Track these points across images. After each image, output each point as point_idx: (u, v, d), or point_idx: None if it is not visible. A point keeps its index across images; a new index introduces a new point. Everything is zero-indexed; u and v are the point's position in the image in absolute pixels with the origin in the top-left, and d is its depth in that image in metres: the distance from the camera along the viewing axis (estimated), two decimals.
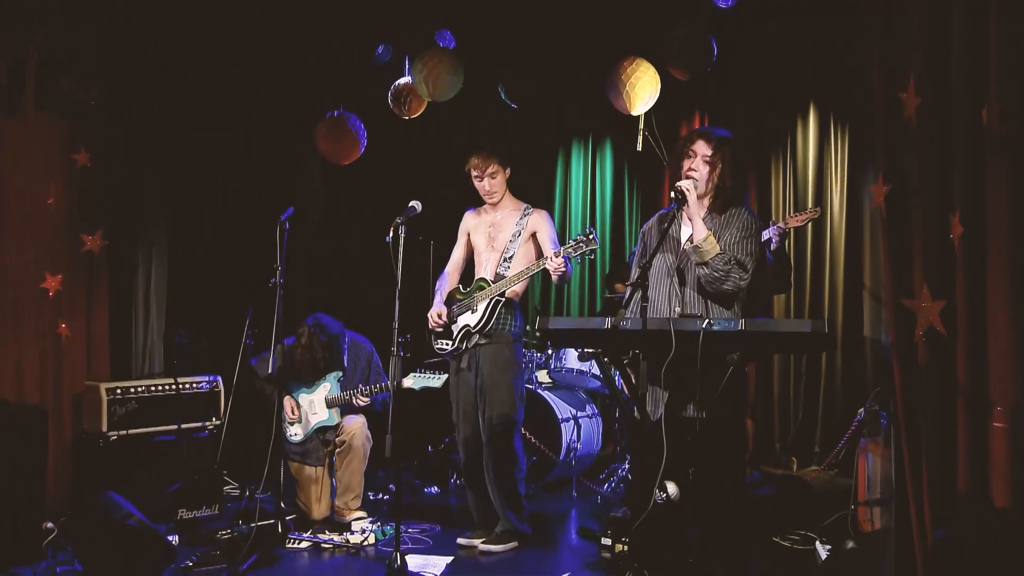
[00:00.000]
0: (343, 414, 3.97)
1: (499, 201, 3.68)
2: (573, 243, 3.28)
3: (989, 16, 2.22)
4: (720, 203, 2.84)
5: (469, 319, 3.59)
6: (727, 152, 2.82)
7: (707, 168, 2.83)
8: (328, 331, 3.95)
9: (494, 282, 3.56)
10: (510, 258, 3.59)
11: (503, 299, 3.54)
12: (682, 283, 2.84)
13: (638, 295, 2.58)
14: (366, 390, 3.91)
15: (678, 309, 2.80)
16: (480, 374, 3.56)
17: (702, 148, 2.84)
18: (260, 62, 4.66)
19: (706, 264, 2.74)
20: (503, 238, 3.64)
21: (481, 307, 3.56)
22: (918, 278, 2.42)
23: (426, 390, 3.57)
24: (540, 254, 3.56)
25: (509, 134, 5.20)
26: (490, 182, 3.63)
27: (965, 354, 2.29)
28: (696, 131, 2.96)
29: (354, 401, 3.92)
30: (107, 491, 3.21)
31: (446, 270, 3.83)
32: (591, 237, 3.23)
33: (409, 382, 3.54)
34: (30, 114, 3.79)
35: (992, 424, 2.21)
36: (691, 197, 2.76)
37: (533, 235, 3.62)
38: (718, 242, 2.76)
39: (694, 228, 2.79)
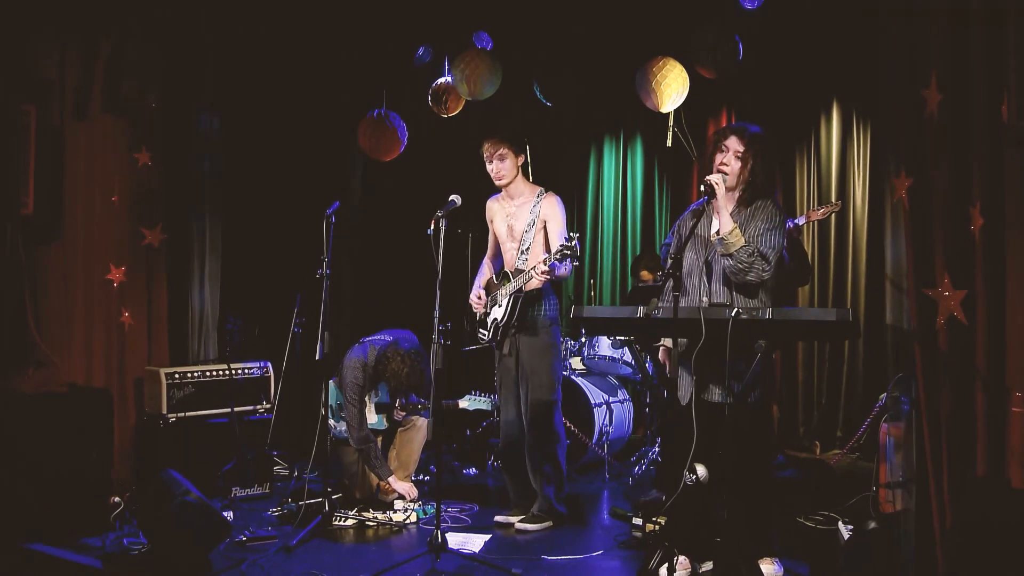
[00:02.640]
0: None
1: (509, 185, 3.67)
2: (559, 251, 3.24)
3: (1008, 16, 2.26)
4: (747, 196, 2.91)
5: (497, 313, 3.66)
6: (758, 148, 2.89)
7: (739, 163, 2.89)
8: (425, 364, 3.86)
9: (514, 276, 3.61)
10: (526, 250, 3.59)
11: (523, 293, 3.57)
12: (709, 274, 2.89)
13: (670, 284, 2.65)
14: (402, 405, 4.01)
15: (705, 299, 2.87)
16: (520, 360, 3.63)
17: (735, 144, 2.90)
18: (306, 66, 4.77)
19: (731, 255, 2.80)
20: (519, 228, 3.64)
21: (504, 302, 3.61)
22: (939, 268, 2.45)
23: (478, 411, 4.14)
24: (550, 247, 3.54)
25: (544, 131, 5.26)
26: (498, 164, 3.62)
27: (984, 341, 2.33)
28: (729, 127, 3.01)
29: (394, 415, 4.03)
30: (167, 469, 3.31)
31: (484, 258, 3.92)
32: (574, 245, 3.17)
33: (464, 403, 4.06)
34: (97, 117, 3.94)
35: (1010, 409, 2.25)
36: (719, 191, 2.83)
37: (545, 224, 3.61)
38: (743, 234, 2.82)
39: (721, 221, 2.85)
